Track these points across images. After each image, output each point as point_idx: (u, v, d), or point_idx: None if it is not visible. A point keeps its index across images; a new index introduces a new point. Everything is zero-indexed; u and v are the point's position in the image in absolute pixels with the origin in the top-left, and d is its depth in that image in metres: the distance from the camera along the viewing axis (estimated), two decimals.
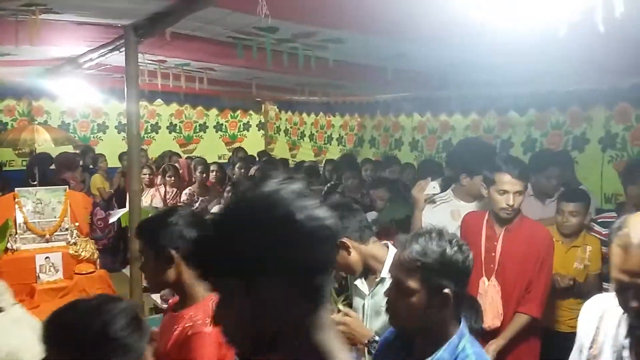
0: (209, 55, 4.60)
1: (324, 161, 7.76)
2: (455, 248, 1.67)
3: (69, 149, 8.62)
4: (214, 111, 10.37)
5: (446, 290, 1.64)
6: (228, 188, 6.07)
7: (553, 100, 5.30)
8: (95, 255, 5.19)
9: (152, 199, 6.80)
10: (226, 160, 9.52)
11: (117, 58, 4.17)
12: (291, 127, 10.17)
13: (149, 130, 9.88)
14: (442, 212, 3.70)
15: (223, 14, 3.04)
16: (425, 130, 7.24)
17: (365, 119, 8.25)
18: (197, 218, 2.11)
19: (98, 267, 5.20)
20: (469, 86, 5.45)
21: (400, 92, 6.77)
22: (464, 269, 1.69)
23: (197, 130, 10.45)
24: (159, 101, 8.77)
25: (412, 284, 1.66)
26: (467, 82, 5.09)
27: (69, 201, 5.30)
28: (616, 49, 3.10)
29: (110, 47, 4.24)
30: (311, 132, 9.60)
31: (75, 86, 7.03)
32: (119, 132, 9.22)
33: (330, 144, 9.09)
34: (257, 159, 8.39)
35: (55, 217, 5.20)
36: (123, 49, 3.70)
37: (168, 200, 6.69)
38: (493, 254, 3.14)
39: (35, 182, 6.59)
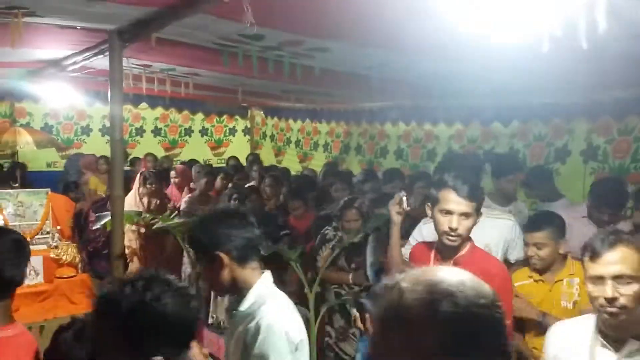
0: (194, 61, 4.59)
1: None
2: None
3: (52, 151, 8.57)
4: (199, 115, 10.34)
5: None
6: (235, 196, 5.90)
7: (536, 112, 5.38)
8: (77, 259, 5.13)
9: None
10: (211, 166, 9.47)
11: (102, 61, 4.14)
12: (277, 133, 10.16)
13: (134, 134, 9.81)
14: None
15: (209, 21, 3.03)
16: (410, 139, 7.27)
17: (351, 126, 8.27)
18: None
19: (80, 271, 5.14)
20: (454, 96, 5.50)
21: (385, 100, 6.80)
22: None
23: (183, 135, 10.40)
24: (143, 104, 8.72)
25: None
26: (451, 92, 5.13)
27: (51, 204, 5.24)
28: (598, 64, 3.14)
29: (94, 51, 4.21)
30: (297, 138, 9.60)
31: (59, 88, 6.96)
32: (102, 135, 9.15)
33: (316, 151, 9.09)
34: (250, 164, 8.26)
35: (36, 220, 5.13)
36: (107, 53, 3.67)
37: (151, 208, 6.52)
38: None
39: (17, 185, 6.52)
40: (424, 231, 3.26)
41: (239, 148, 10.76)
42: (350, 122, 8.18)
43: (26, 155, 7.99)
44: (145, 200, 6.61)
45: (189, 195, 6.34)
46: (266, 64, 3.82)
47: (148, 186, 6.59)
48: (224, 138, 10.84)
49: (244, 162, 8.74)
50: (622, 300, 1.82)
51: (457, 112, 6.20)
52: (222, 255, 2.07)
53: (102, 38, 3.86)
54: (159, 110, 9.72)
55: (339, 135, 8.61)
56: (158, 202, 6.50)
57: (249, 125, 10.86)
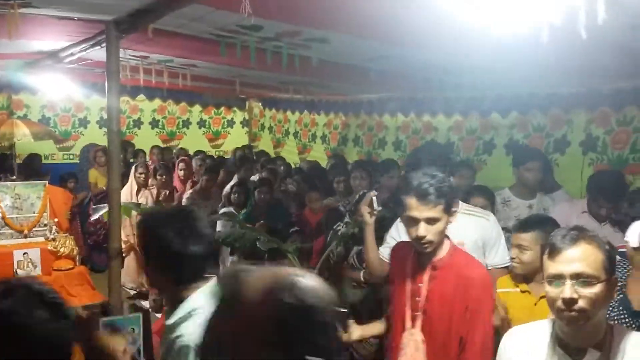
0: (192, 52, 4.57)
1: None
2: None
3: (50, 143, 8.55)
4: (197, 107, 10.30)
5: None
6: (234, 189, 5.83)
7: (535, 103, 5.38)
8: (75, 252, 5.14)
9: (146, 200, 6.61)
10: None
11: (99, 53, 4.12)
12: (275, 125, 10.14)
13: (131, 126, 9.77)
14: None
15: (206, 12, 3.01)
16: (408, 130, 7.26)
17: (349, 118, 8.25)
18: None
19: (77, 263, 5.15)
20: (452, 88, 5.49)
21: (384, 92, 6.79)
22: None
23: (180, 127, 10.36)
24: (141, 96, 8.69)
25: None
26: (450, 83, 5.12)
27: (48, 197, 5.23)
28: (597, 54, 3.13)
29: (91, 42, 4.18)
30: (295, 130, 9.58)
31: (56, 80, 6.94)
32: (100, 127, 9.10)
33: (315, 142, 9.07)
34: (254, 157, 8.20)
35: (34, 213, 5.13)
36: (104, 44, 3.65)
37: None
38: (418, 299, 2.41)
39: (14, 177, 6.51)
40: (402, 229, 2.92)
41: (237, 140, 10.73)
42: (348, 114, 8.16)
43: (23, 147, 7.96)
44: (154, 191, 6.61)
45: (191, 189, 6.27)
46: (264, 55, 3.80)
47: (159, 177, 6.60)
48: (222, 130, 10.81)
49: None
50: (581, 303, 1.63)
51: (455, 104, 6.20)
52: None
53: (99, 29, 3.83)
54: (157, 102, 9.68)
55: (337, 127, 8.60)
56: (167, 193, 6.51)
57: (247, 117, 10.83)
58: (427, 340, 2.36)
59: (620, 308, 2.65)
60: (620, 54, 3.17)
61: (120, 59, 3.76)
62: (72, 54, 4.83)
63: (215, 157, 9.11)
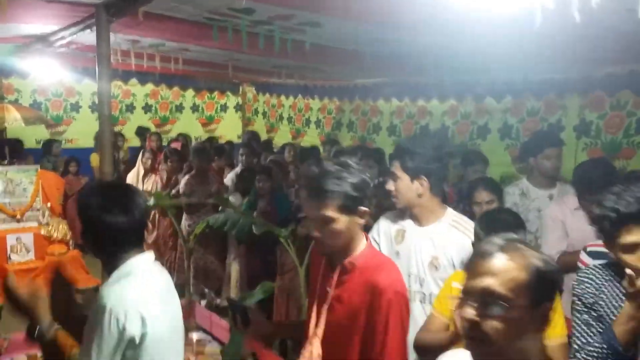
0: (183, 36, 4.52)
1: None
2: None
3: (41, 128, 8.49)
4: (190, 92, 10.24)
5: None
6: (240, 176, 5.76)
7: (529, 88, 5.37)
8: (68, 236, 5.12)
9: (153, 185, 6.55)
10: None
11: (89, 36, 4.07)
12: (269, 110, 10.09)
13: (124, 111, 9.72)
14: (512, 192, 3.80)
15: None
16: (403, 115, 7.24)
17: (343, 102, 8.22)
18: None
19: (71, 247, 5.13)
20: (447, 72, 5.47)
21: (378, 77, 6.76)
22: None
23: (173, 111, 10.31)
24: (133, 81, 8.61)
25: None
26: (444, 68, 5.10)
27: (41, 181, 5.20)
28: (591, 39, 3.12)
29: (81, 26, 4.13)
30: (289, 114, 9.54)
31: (47, 64, 6.86)
32: (92, 112, 9.04)
33: (309, 127, 9.05)
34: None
35: (26, 197, 5.10)
36: (94, 27, 3.60)
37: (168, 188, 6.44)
38: (325, 305, 2.03)
39: (6, 162, 6.46)
40: (381, 226, 2.72)
41: (230, 125, 10.69)
42: (342, 99, 8.13)
43: (15, 132, 7.90)
44: (164, 176, 6.58)
45: (188, 175, 6.17)
46: (257, 39, 3.76)
47: (169, 163, 6.57)
48: (216, 115, 10.75)
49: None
50: (484, 327, 1.31)
51: (450, 88, 6.18)
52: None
53: (89, 12, 3.78)
54: (149, 87, 9.61)
55: (331, 112, 8.57)
56: (177, 178, 6.48)
57: (240, 102, 10.77)
58: (325, 355, 1.98)
59: (602, 345, 1.92)
60: (614, 38, 3.16)
61: (111, 42, 3.71)
62: (62, 38, 4.77)
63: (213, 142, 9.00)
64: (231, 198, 5.47)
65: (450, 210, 2.54)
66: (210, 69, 7.14)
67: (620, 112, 4.94)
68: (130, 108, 9.82)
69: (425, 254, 2.50)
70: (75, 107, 9.28)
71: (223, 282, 5.78)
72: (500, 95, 5.76)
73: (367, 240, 2.06)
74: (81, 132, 8.96)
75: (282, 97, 9.50)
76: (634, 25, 2.36)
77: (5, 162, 6.46)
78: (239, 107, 10.86)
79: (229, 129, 10.55)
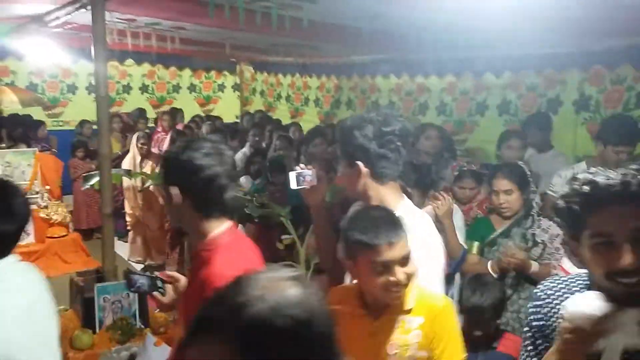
0: (179, 14, 4.48)
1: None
2: None
3: (38, 110, 8.45)
4: (187, 71, 10.18)
5: None
6: (251, 158, 5.54)
7: (528, 63, 5.34)
8: (68, 219, 5.13)
9: (152, 169, 6.33)
10: None
11: (85, 16, 4.03)
12: (267, 89, 10.03)
13: (121, 91, 9.65)
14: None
15: None
16: (401, 92, 7.20)
17: (341, 80, 8.17)
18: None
19: (70, 230, 5.15)
20: (445, 48, 5.42)
21: (376, 53, 6.70)
22: None
23: (170, 91, 10.25)
24: (130, 61, 8.57)
25: None
26: (443, 44, 5.05)
27: (39, 164, 5.20)
28: (590, 12, 3.09)
29: (76, 5, 4.08)
30: (287, 93, 9.48)
31: (43, 45, 6.81)
32: (89, 93, 8.98)
33: (307, 106, 9.00)
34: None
35: (25, 181, 5.09)
36: (89, 7, 3.56)
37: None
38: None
39: (4, 145, 6.45)
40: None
41: (228, 104, 10.64)
42: (341, 76, 8.08)
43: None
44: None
45: None
46: (253, 16, 3.72)
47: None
48: (213, 94, 10.70)
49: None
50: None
51: (448, 64, 6.14)
52: None
53: None
54: (146, 67, 9.54)
55: (329, 90, 8.52)
56: None
57: (238, 81, 10.71)
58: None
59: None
60: (614, 11, 3.13)
61: (107, 22, 3.67)
62: (57, 18, 4.73)
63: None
64: (242, 180, 5.41)
65: (404, 202, 2.05)
66: (207, 47, 7.10)
67: (620, 86, 4.91)
68: (127, 89, 9.76)
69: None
70: (72, 89, 9.22)
71: None
72: (499, 70, 5.73)
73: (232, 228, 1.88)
74: (78, 113, 8.90)
75: (280, 76, 9.43)
76: None
77: (4, 145, 6.45)
78: (236, 87, 10.79)
79: (227, 108, 10.49)
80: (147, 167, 6.46)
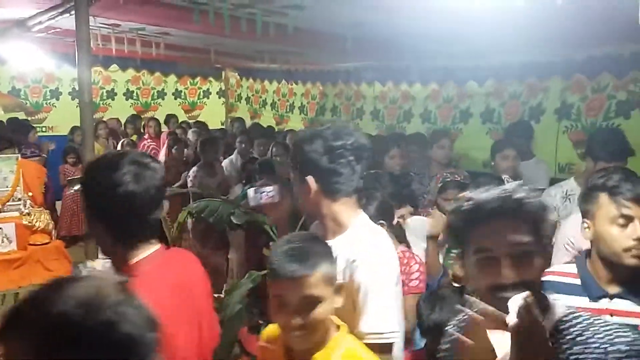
0: (164, 20, 4.47)
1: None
2: None
3: (21, 116, 8.35)
4: (172, 77, 10.13)
5: None
6: (245, 166, 5.47)
7: (511, 71, 5.41)
8: (50, 226, 5.06)
9: None
10: None
11: (68, 21, 4.00)
12: (252, 95, 10.03)
13: (105, 97, 9.58)
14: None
15: None
16: (386, 99, 7.24)
17: (327, 87, 8.20)
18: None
19: (54, 237, 5.08)
20: (429, 56, 5.48)
21: (361, 61, 6.75)
22: None
23: (155, 97, 10.20)
24: (114, 66, 8.51)
25: None
26: (426, 52, 5.10)
27: (22, 170, 5.12)
28: (572, 22, 3.14)
29: (60, 10, 4.06)
30: (273, 100, 9.49)
31: (25, 50, 6.74)
32: (72, 99, 8.90)
33: (292, 113, 9.02)
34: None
35: (7, 187, 5.01)
36: (73, 11, 3.55)
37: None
38: None
39: None
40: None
41: (213, 111, 10.61)
42: (326, 83, 8.11)
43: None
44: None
45: (195, 167, 5.86)
46: (238, 23, 3.73)
47: (174, 151, 6.46)
48: (198, 100, 10.67)
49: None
50: None
51: (433, 72, 6.20)
52: None
53: None
54: (130, 72, 9.47)
55: (314, 97, 8.54)
56: (177, 168, 6.38)
57: (223, 88, 10.69)
58: None
59: None
60: (595, 21, 3.18)
61: (91, 27, 3.66)
62: (40, 22, 4.69)
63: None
64: (236, 188, 5.35)
65: (359, 218, 1.94)
66: (192, 53, 7.08)
67: (601, 95, 4.99)
68: (111, 94, 9.70)
69: None
70: (55, 94, 9.13)
71: (224, 278, 5.60)
72: (482, 79, 5.79)
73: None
74: (61, 119, 8.82)
75: (266, 82, 9.44)
76: (614, 7, 2.38)
77: None
78: (221, 93, 10.77)
79: (212, 115, 10.47)
80: None
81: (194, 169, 5.85)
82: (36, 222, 4.93)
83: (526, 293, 1.15)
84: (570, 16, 2.91)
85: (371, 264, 1.76)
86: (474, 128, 6.02)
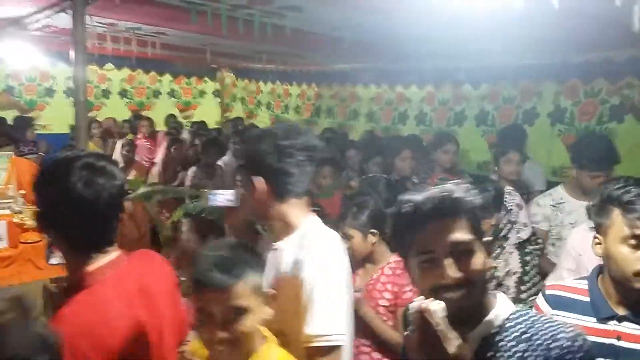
0: (161, 20, 4.46)
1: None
2: None
3: (15, 113, 8.31)
4: (167, 77, 10.11)
5: None
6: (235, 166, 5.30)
7: (505, 75, 5.44)
8: None
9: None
10: None
11: (65, 19, 3.99)
12: (248, 96, 10.03)
13: (100, 96, 9.55)
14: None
15: None
16: (381, 101, 7.26)
17: (322, 88, 8.21)
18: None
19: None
20: (425, 59, 5.50)
21: (357, 62, 6.76)
22: None
23: (150, 97, 10.18)
24: (109, 65, 8.47)
25: None
26: (422, 54, 5.12)
27: (15, 168, 5.10)
28: (567, 26, 3.16)
29: (56, 9, 4.04)
30: (268, 100, 9.50)
31: (21, 48, 6.71)
32: (67, 97, 8.87)
33: (288, 114, 9.02)
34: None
35: None
36: (70, 10, 3.53)
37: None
38: None
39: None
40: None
41: (208, 111, 10.59)
42: (321, 84, 8.12)
43: None
44: (154, 169, 6.41)
45: (195, 167, 5.80)
46: (236, 24, 3.73)
47: (173, 150, 6.41)
48: (193, 100, 10.65)
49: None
50: None
51: (428, 75, 6.23)
52: None
53: None
54: (126, 72, 9.46)
55: (310, 98, 8.55)
56: (174, 169, 6.34)
57: (218, 88, 10.68)
58: None
59: None
60: (590, 25, 3.21)
61: (87, 26, 3.65)
62: (36, 21, 4.67)
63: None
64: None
65: (309, 220, 1.85)
66: (187, 53, 7.07)
67: (594, 99, 5.03)
68: (106, 93, 9.67)
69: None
70: (50, 92, 9.10)
71: None
72: (477, 81, 5.83)
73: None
74: (55, 117, 8.79)
75: (261, 83, 9.44)
76: (610, 12, 2.40)
77: None
78: (217, 93, 10.76)
79: (207, 115, 10.45)
80: (131, 177, 6.37)
81: (193, 169, 5.82)
82: (27, 220, 4.91)
83: (424, 302, 1.18)
84: (566, 21, 2.93)
85: (319, 265, 1.69)
86: (469, 130, 6.05)
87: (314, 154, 1.82)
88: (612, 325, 1.68)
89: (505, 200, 2.81)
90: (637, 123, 4.74)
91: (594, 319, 1.71)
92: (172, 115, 9.20)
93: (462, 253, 1.26)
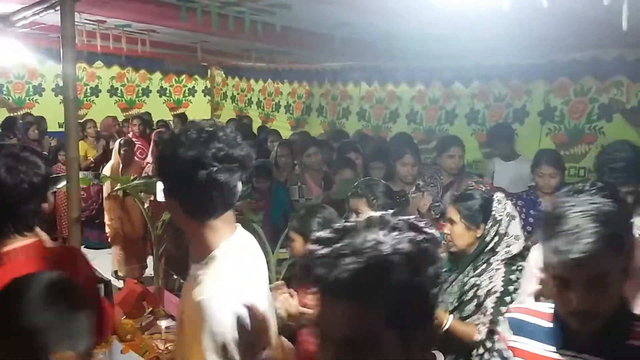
0: (151, 17, 4.44)
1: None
2: None
3: (3, 112, 8.25)
4: (157, 75, 10.06)
5: None
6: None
7: (496, 73, 5.46)
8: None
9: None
10: None
11: (53, 16, 3.95)
12: (238, 94, 10.00)
13: (89, 94, 9.48)
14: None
15: None
16: (372, 99, 7.26)
17: (313, 87, 8.20)
18: None
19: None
20: (415, 57, 5.51)
21: (347, 60, 6.77)
22: None
23: (140, 95, 10.12)
24: (99, 63, 8.42)
25: None
26: (413, 53, 5.13)
27: None
28: (557, 25, 3.18)
29: (45, 5, 4.00)
30: (259, 99, 9.47)
31: (9, 46, 6.64)
32: (56, 95, 8.81)
33: (278, 112, 9.00)
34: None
35: None
36: (58, 7, 3.50)
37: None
38: None
39: None
40: None
41: (199, 109, 10.55)
42: (312, 83, 8.11)
43: None
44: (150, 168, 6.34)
45: None
46: (226, 21, 3.72)
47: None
48: (183, 98, 10.60)
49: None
50: None
51: (419, 73, 6.24)
52: None
53: None
54: (115, 69, 9.41)
55: (301, 96, 8.54)
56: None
57: (209, 86, 10.65)
58: None
59: None
60: (579, 25, 3.23)
61: (76, 23, 3.61)
62: (24, 18, 4.62)
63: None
64: None
65: (228, 242, 1.57)
66: (178, 51, 7.05)
67: (584, 98, 5.06)
68: (96, 91, 9.60)
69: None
70: (38, 90, 9.02)
71: None
72: (468, 80, 5.85)
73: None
74: (44, 115, 8.72)
75: (252, 81, 9.42)
76: (597, 12, 2.41)
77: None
78: (207, 91, 10.72)
79: (197, 113, 10.41)
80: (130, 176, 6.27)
81: None
82: None
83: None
84: (555, 20, 2.94)
85: (211, 315, 1.43)
86: (460, 129, 6.06)
87: (238, 165, 1.52)
88: (569, 357, 1.45)
89: (494, 210, 2.49)
90: (625, 122, 4.77)
91: (554, 347, 1.48)
92: (162, 120, 8.99)
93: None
